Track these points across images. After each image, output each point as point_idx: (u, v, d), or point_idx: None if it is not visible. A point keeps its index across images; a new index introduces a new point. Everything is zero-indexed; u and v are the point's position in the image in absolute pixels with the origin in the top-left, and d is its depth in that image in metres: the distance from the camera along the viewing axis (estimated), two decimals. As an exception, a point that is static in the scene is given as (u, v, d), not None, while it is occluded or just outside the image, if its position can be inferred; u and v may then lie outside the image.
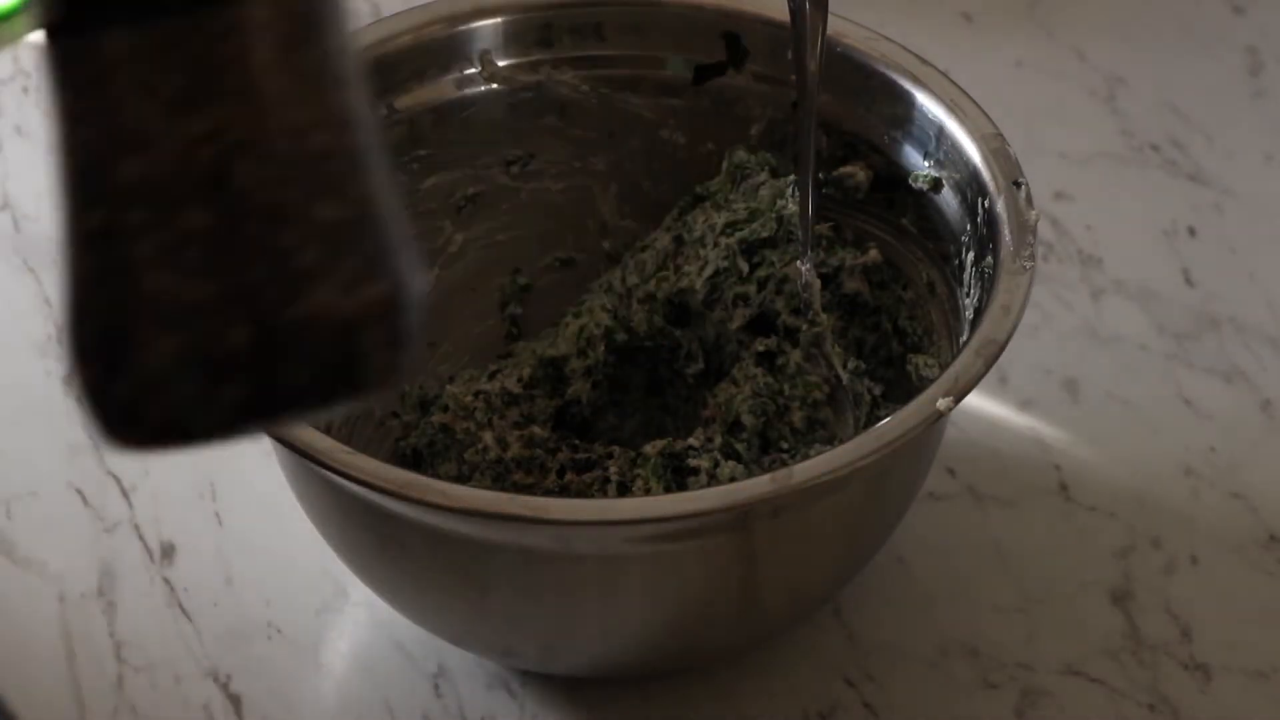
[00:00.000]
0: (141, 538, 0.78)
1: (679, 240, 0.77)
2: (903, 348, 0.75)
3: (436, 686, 0.73)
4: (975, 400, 0.64)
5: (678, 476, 0.72)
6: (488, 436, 0.75)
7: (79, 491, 0.80)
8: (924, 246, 0.74)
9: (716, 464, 0.72)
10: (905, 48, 0.74)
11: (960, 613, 0.75)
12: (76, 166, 0.42)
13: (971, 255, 0.71)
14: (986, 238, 0.69)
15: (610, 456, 0.74)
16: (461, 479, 0.74)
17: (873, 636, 0.74)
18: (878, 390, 0.75)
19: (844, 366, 0.74)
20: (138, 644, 0.75)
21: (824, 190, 0.76)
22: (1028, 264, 0.66)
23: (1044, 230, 0.89)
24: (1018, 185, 0.69)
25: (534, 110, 0.78)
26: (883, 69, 0.74)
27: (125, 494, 0.80)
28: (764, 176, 0.77)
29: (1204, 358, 0.84)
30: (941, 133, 0.72)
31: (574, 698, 0.72)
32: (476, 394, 0.77)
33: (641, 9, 0.78)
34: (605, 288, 0.79)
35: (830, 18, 0.70)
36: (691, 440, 0.73)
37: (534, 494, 0.73)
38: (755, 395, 0.74)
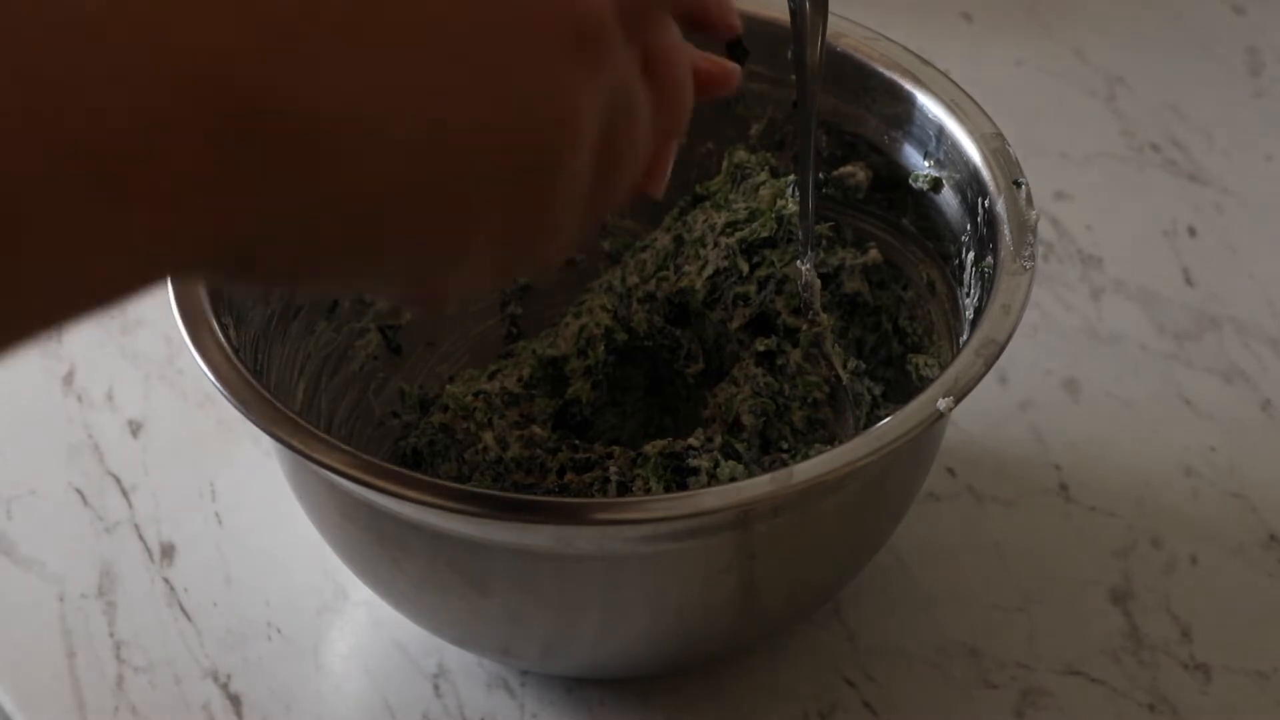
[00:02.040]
0: (141, 538, 0.78)
1: (679, 240, 0.77)
2: (903, 348, 0.75)
3: (436, 686, 0.73)
4: (975, 400, 0.64)
5: (678, 476, 0.72)
6: (488, 436, 0.75)
7: (79, 491, 0.80)
8: (924, 246, 0.74)
9: (716, 464, 0.72)
10: (905, 48, 0.74)
11: (960, 613, 0.75)
12: None
13: (971, 255, 0.71)
14: (986, 238, 0.69)
15: (610, 456, 0.74)
16: (461, 479, 0.74)
17: (873, 636, 0.74)
18: (878, 390, 0.75)
19: (844, 366, 0.74)
20: (138, 644, 0.75)
21: (824, 190, 0.76)
22: (1028, 264, 0.66)
23: (1044, 230, 0.89)
24: (1018, 185, 0.69)
25: (534, 110, 0.78)
26: (883, 69, 0.74)
27: (125, 494, 0.80)
28: (764, 176, 0.77)
29: (1204, 358, 0.84)
30: (941, 133, 0.72)
31: (574, 698, 0.72)
32: (476, 394, 0.77)
33: (641, 9, 0.78)
34: (605, 288, 0.79)
35: (830, 18, 0.70)
36: (691, 440, 0.73)
37: (534, 494, 0.73)
38: (755, 395, 0.74)
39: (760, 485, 0.62)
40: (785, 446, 0.73)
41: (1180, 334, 0.85)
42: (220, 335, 0.65)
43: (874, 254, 0.75)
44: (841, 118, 0.75)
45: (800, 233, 0.73)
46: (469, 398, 0.77)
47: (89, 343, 0.86)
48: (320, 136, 0.40)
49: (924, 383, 0.71)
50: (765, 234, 0.75)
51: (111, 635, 0.75)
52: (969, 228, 0.71)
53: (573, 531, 0.62)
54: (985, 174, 0.70)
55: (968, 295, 0.71)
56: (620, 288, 0.78)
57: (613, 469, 0.73)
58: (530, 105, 0.44)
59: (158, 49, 0.38)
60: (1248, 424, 0.82)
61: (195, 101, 0.38)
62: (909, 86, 0.73)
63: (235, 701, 0.73)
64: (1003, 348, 0.64)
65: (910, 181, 0.74)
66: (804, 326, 0.74)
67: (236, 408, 0.63)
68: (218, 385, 0.64)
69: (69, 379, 0.85)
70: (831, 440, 0.73)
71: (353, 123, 0.41)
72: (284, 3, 0.40)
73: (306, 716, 0.72)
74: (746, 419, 0.73)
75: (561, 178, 0.46)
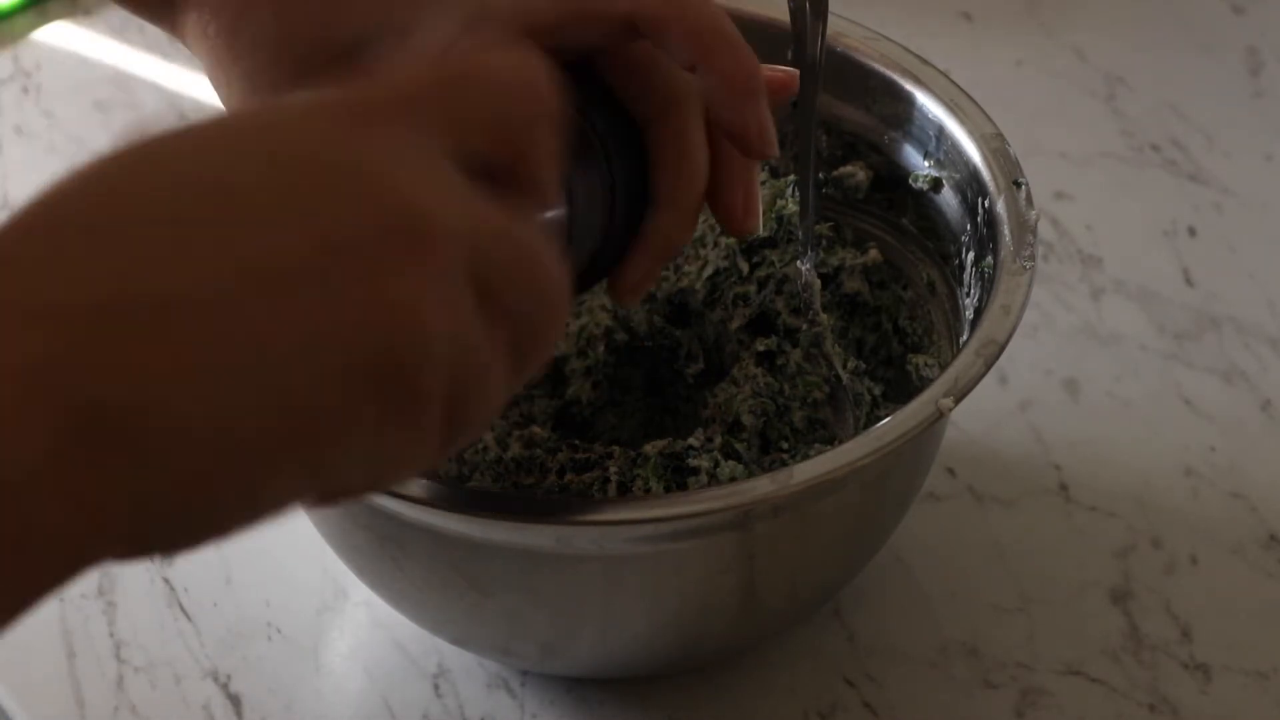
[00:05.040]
0: (141, 538, 0.78)
1: (679, 240, 0.77)
2: (903, 348, 0.75)
3: (436, 686, 0.73)
4: (975, 400, 0.64)
5: (678, 476, 0.72)
6: (488, 436, 0.75)
7: (79, 491, 0.80)
8: (924, 246, 0.74)
9: (716, 464, 0.72)
10: (905, 48, 0.74)
11: (960, 613, 0.75)
12: None
13: (971, 255, 0.71)
14: (986, 238, 0.69)
15: (610, 456, 0.74)
16: (461, 479, 0.74)
17: (873, 636, 0.74)
18: (878, 390, 0.75)
19: (844, 366, 0.74)
20: (138, 644, 0.75)
21: (824, 190, 0.76)
22: (1028, 264, 0.66)
23: (1044, 230, 0.89)
24: (1018, 185, 0.69)
25: (534, 110, 0.78)
26: (883, 69, 0.74)
27: (125, 494, 0.80)
28: (764, 176, 0.77)
29: (1204, 358, 0.84)
30: (941, 133, 0.72)
31: (574, 698, 0.72)
32: (476, 394, 0.77)
33: (641, 9, 0.78)
34: (605, 287, 0.79)
35: (830, 18, 0.70)
36: (691, 440, 0.73)
37: (534, 494, 0.73)
38: (755, 395, 0.74)
39: (760, 485, 0.61)
40: (785, 446, 0.73)
41: (1180, 334, 0.85)
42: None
43: (874, 254, 0.75)
44: (841, 118, 0.75)
45: (800, 233, 0.73)
46: (469, 398, 0.76)
47: (89, 343, 0.86)
48: (148, 423, 0.40)
49: (924, 383, 0.71)
50: (765, 234, 0.75)
51: (111, 635, 0.75)
52: (969, 228, 0.71)
53: (573, 531, 0.62)
54: (985, 174, 0.70)
55: (968, 295, 0.71)
56: (620, 288, 0.78)
57: (613, 469, 0.72)
58: (356, 327, 0.42)
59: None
60: (1248, 424, 0.82)
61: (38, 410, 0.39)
62: (909, 86, 0.73)
63: (235, 701, 0.73)
64: (1003, 348, 0.64)
65: (910, 181, 0.74)
66: (804, 326, 0.74)
67: (236, 408, 0.63)
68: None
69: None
70: (831, 440, 0.73)
71: (164, 405, 0.40)
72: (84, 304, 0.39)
73: (306, 716, 0.72)
74: (746, 419, 0.73)
75: (422, 374, 0.43)
